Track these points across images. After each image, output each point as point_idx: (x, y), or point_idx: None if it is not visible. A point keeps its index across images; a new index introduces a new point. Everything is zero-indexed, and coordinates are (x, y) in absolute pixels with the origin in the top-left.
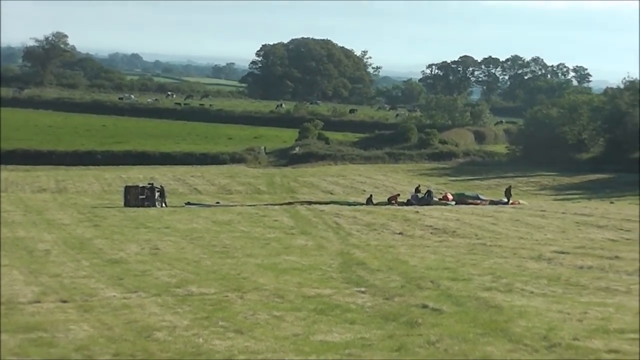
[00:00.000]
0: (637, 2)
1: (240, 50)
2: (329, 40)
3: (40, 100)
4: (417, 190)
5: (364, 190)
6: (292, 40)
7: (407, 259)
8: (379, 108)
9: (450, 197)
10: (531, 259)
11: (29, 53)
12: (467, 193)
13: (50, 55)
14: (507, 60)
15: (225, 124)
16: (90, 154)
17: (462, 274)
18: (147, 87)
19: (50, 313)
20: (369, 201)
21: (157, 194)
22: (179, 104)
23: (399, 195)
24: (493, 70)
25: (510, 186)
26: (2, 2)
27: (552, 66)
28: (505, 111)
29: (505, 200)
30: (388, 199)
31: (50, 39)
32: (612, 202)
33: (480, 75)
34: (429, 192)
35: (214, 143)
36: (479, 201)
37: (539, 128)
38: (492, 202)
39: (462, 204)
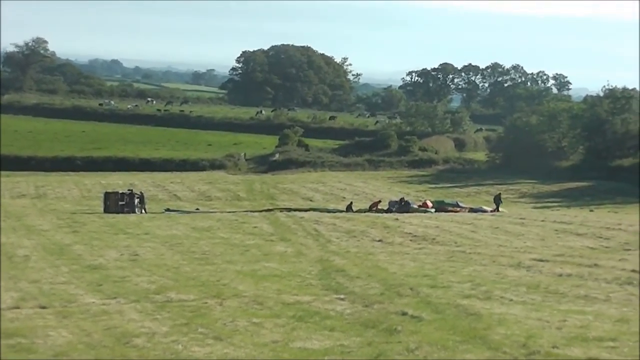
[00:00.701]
0: (617, 8)
1: (220, 56)
2: (309, 47)
3: (20, 105)
4: (402, 201)
5: (344, 197)
6: (272, 46)
7: (387, 266)
8: (359, 115)
9: (429, 204)
10: (510, 267)
11: (8, 58)
12: (447, 200)
13: (30, 61)
14: (487, 67)
15: (205, 130)
16: (69, 160)
17: (442, 281)
18: (127, 93)
19: (29, 319)
20: (349, 208)
21: (136, 200)
22: (159, 110)
23: (380, 201)
24: (473, 78)
25: (500, 193)
26: None
27: (532, 74)
28: (485, 119)
29: (488, 208)
30: (369, 207)
31: (30, 44)
32: (591, 210)
33: (460, 83)
34: (406, 202)
35: (194, 149)
36: (458, 209)
37: (519, 136)
38: (472, 210)
39: (442, 211)
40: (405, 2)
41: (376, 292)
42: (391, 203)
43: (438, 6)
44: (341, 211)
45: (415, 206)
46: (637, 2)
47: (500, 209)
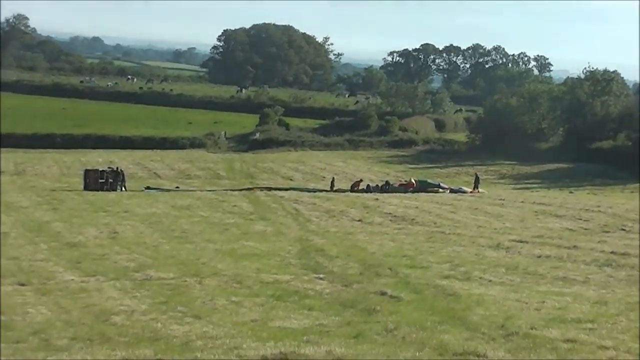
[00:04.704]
0: None
1: (202, 35)
2: (291, 26)
3: None
4: (387, 183)
5: (324, 177)
6: (253, 25)
7: (366, 246)
8: (338, 95)
9: (414, 183)
10: (489, 248)
11: None
12: (430, 181)
13: (10, 37)
14: (468, 48)
15: (185, 109)
16: (49, 137)
17: (421, 261)
18: (107, 70)
19: (8, 296)
20: (332, 185)
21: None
22: (140, 88)
23: (361, 181)
24: (454, 59)
25: (477, 174)
26: None
27: (513, 55)
28: (466, 99)
29: (468, 189)
30: (351, 187)
31: (10, 20)
32: (571, 192)
33: (441, 64)
34: (386, 183)
35: (174, 128)
36: (441, 190)
37: (499, 117)
38: (452, 190)
39: (423, 191)
40: None
41: (355, 271)
42: (373, 187)
43: None
44: (321, 190)
45: (397, 185)
46: None
47: (480, 189)
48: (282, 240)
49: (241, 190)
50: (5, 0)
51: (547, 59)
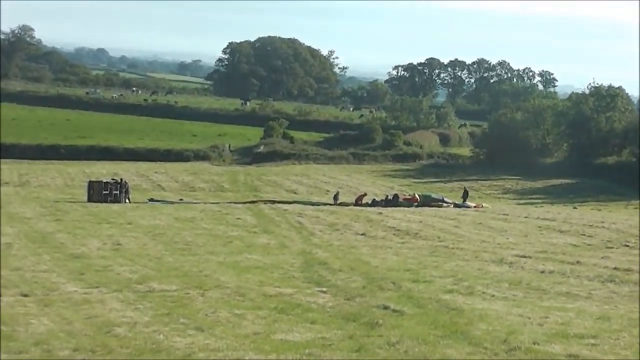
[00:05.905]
0: (602, 9)
1: (207, 47)
2: (296, 39)
3: (5, 93)
4: (396, 197)
5: (328, 191)
6: (259, 38)
7: (369, 260)
8: (342, 108)
9: (418, 198)
10: (493, 263)
11: None
12: (434, 195)
13: (16, 48)
14: (473, 63)
15: (189, 121)
16: (53, 148)
17: (424, 275)
18: (112, 82)
19: (10, 307)
20: (336, 198)
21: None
22: (145, 99)
23: (365, 194)
24: (459, 73)
25: (465, 187)
26: None
27: (518, 70)
28: (470, 114)
29: (472, 204)
30: (355, 200)
31: (16, 31)
32: (574, 207)
33: (446, 78)
34: (395, 196)
35: (178, 140)
36: (445, 204)
37: (503, 132)
38: (456, 205)
39: (426, 206)
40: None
41: (358, 285)
42: (378, 202)
43: (424, 5)
44: (325, 204)
45: (401, 199)
46: (624, 1)
47: (483, 204)
48: (285, 254)
49: (245, 203)
50: (11, 12)
51: (552, 74)
